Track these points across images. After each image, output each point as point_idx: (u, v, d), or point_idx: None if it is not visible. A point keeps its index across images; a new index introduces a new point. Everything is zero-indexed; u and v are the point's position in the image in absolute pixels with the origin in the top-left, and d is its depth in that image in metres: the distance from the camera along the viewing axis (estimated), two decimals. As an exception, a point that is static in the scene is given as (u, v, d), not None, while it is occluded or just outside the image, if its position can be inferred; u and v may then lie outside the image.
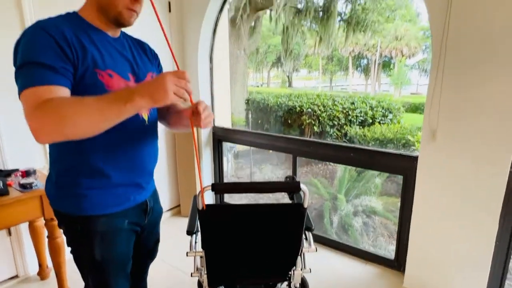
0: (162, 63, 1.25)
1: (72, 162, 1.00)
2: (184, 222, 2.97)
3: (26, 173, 1.86)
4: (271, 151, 4.94)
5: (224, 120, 4.23)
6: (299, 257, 1.30)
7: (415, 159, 1.92)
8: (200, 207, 1.17)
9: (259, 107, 5.87)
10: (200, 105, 0.98)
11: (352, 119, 4.98)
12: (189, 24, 2.73)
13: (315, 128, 5.04)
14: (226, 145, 3.77)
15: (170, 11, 2.71)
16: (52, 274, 2.12)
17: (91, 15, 0.99)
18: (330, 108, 5.02)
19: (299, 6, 9.97)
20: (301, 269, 1.32)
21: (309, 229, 1.40)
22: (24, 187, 1.70)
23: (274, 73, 27.33)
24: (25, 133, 1.95)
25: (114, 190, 1.05)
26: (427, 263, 1.94)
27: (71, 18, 0.97)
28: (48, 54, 0.84)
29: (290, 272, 1.32)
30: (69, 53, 0.87)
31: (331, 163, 4.84)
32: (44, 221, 1.83)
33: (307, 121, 5.08)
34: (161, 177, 2.93)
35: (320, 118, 5.01)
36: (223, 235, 1.25)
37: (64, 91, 0.85)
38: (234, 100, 7.18)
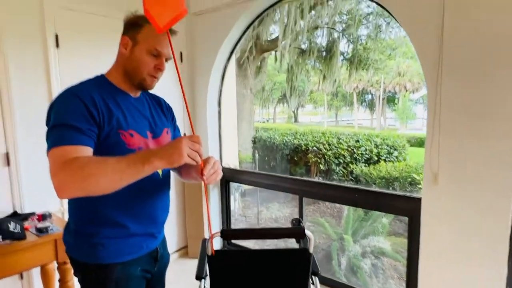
0: (176, 115, 1.36)
1: (91, 213, 1.07)
2: (191, 264, 2.96)
3: (42, 217, 1.94)
4: (277, 189, 4.97)
5: (231, 158, 4.32)
6: (306, 302, 1.32)
7: (419, 200, 1.95)
8: (210, 253, 1.22)
9: (266, 145, 5.98)
10: (208, 162, 1.06)
11: (358, 157, 5.04)
12: (200, 71, 2.91)
13: (321, 166, 5.10)
14: (234, 184, 3.83)
15: (182, 61, 2.91)
16: (60, 319, 2.12)
17: (117, 78, 1.12)
18: (335, 146, 5.11)
19: (303, 46, 10.41)
20: (309, 315, 1.33)
21: (316, 273, 1.42)
22: (40, 231, 1.77)
23: (280, 109, 27.80)
24: (42, 178, 2.08)
25: (129, 240, 1.11)
26: (438, 308, 1.91)
27: (100, 81, 1.10)
28: (78, 118, 0.95)
29: (297, 318, 1.33)
30: (96, 116, 0.98)
31: (338, 201, 4.83)
32: (56, 265, 1.87)
33: (313, 160, 5.15)
34: (169, 217, 2.96)
35: (325, 156, 5.08)
36: (231, 280, 1.29)
37: (88, 151, 0.95)
38: (241, 138, 7.32)
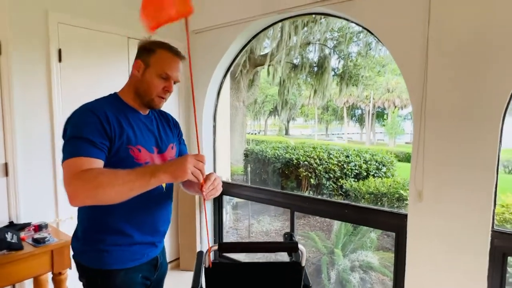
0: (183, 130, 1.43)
1: (98, 222, 1.15)
2: (183, 276, 2.98)
3: (39, 227, 1.97)
4: (268, 202, 5.03)
5: (223, 171, 4.37)
6: (297, 314, 1.38)
7: (405, 216, 2.04)
8: (207, 265, 1.28)
9: (258, 158, 6.06)
10: (209, 179, 1.13)
11: (347, 172, 5.16)
12: (197, 87, 3.00)
13: (312, 181, 5.20)
14: (226, 197, 3.88)
15: (179, 75, 2.99)
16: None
17: (128, 97, 1.21)
18: (326, 161, 5.22)
19: (295, 61, 10.64)
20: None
21: (307, 286, 1.49)
22: (37, 241, 1.80)
23: (271, 121, 28.02)
24: (38, 189, 2.11)
25: (132, 248, 1.18)
26: (422, 321, 1.98)
27: (113, 99, 1.20)
28: (92, 132, 1.04)
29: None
30: (108, 131, 1.07)
31: (328, 215, 4.92)
32: (52, 275, 1.89)
33: (304, 174, 5.25)
34: (162, 229, 3.01)
35: (316, 170, 5.19)
36: (227, 292, 1.34)
37: (99, 163, 1.03)
38: (232, 149, 7.39)
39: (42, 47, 2.13)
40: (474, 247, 1.78)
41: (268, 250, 1.31)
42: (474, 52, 1.71)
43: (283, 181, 5.57)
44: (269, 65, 9.28)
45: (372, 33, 2.10)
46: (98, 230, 1.15)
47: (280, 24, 7.06)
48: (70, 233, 1.94)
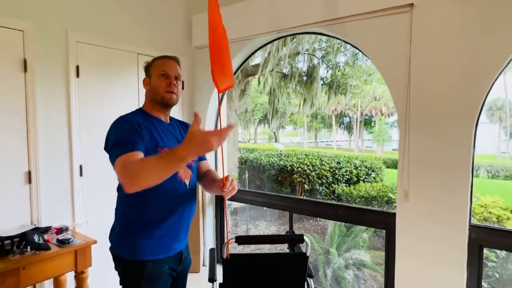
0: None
1: (133, 218, 1.35)
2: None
3: (60, 230, 2.13)
4: (265, 208, 5.23)
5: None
6: (303, 300, 1.58)
7: (394, 215, 2.28)
8: (225, 256, 1.48)
9: (252, 165, 6.27)
10: (227, 180, 1.34)
11: (339, 177, 5.41)
12: (199, 97, 3.21)
13: (306, 186, 5.43)
14: (227, 202, 4.07)
15: (183, 88, 3.20)
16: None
17: (149, 108, 1.44)
18: (319, 168, 5.47)
19: (285, 71, 10.94)
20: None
21: (310, 276, 1.70)
22: (62, 242, 1.96)
23: (261, 129, 28.28)
24: (58, 195, 2.28)
25: (161, 241, 1.37)
26: (411, 309, 2.20)
27: (139, 112, 1.43)
28: (131, 134, 1.25)
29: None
30: (141, 134, 1.29)
31: (321, 220, 5.17)
32: (74, 274, 2.05)
33: (298, 180, 5.48)
34: (168, 233, 3.17)
35: (309, 176, 5.43)
36: (242, 279, 1.54)
37: (141, 154, 1.22)
38: (227, 158, 7.57)
39: (62, 64, 2.32)
40: (454, 240, 2.02)
41: (278, 242, 1.51)
42: (451, 68, 1.98)
43: (278, 187, 5.79)
44: (260, 75, 9.55)
45: (362, 52, 2.36)
46: (133, 225, 1.35)
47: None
48: (88, 235, 2.13)
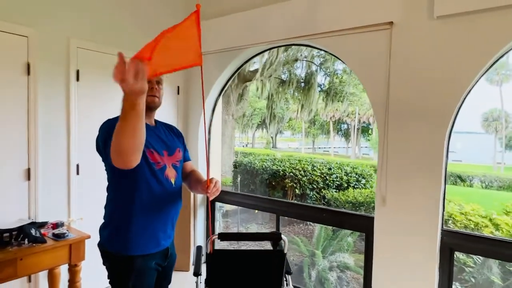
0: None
1: (122, 214, 1.45)
2: (176, 276, 3.25)
3: (56, 225, 2.25)
4: (256, 211, 5.36)
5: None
6: (280, 294, 1.71)
7: (372, 219, 2.41)
8: (209, 251, 1.60)
9: (246, 169, 6.40)
10: (211, 181, 1.47)
11: (329, 183, 5.55)
12: (193, 103, 3.35)
13: (297, 191, 5.56)
14: (217, 205, 4.20)
15: (178, 93, 3.34)
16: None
17: None
18: (310, 173, 5.61)
19: (283, 77, 11.10)
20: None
21: (288, 272, 1.82)
22: (58, 236, 2.08)
23: (259, 134, 28.40)
24: (54, 192, 2.40)
25: (149, 237, 1.47)
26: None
27: None
28: None
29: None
30: None
31: (310, 224, 5.32)
32: (68, 266, 2.17)
33: (290, 184, 5.62)
34: (159, 232, 3.30)
35: (301, 181, 5.56)
36: (224, 273, 1.67)
37: None
38: (222, 162, 7.69)
39: (63, 68, 2.46)
40: (427, 244, 2.15)
41: (257, 239, 1.64)
42: (426, 81, 2.12)
43: (270, 191, 5.92)
44: (257, 80, 9.68)
45: (345, 63, 2.50)
46: (122, 221, 1.45)
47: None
48: (82, 231, 2.25)
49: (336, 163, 6.05)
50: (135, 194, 1.43)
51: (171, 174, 1.52)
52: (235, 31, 2.91)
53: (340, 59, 2.50)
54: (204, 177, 1.56)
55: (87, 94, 2.59)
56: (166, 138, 1.59)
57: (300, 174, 5.60)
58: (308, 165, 5.80)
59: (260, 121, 23.26)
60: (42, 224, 2.25)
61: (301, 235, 5.28)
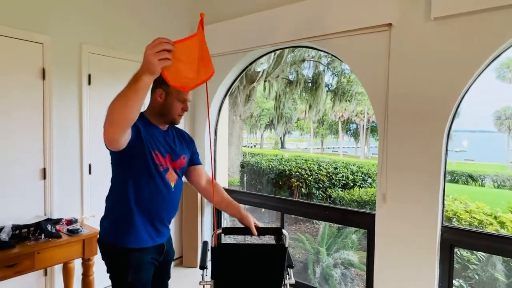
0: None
1: (122, 209, 1.50)
2: (186, 272, 3.37)
3: (70, 222, 2.37)
4: (263, 209, 5.44)
5: (221, 182, 4.79)
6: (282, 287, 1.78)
7: (374, 216, 2.46)
8: (213, 245, 1.69)
9: (253, 169, 6.48)
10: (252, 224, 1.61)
11: (335, 182, 5.60)
12: (200, 104, 3.45)
13: (303, 190, 5.63)
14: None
15: (185, 95, 3.44)
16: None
17: (151, 116, 1.58)
18: (316, 172, 5.67)
19: (291, 77, 11.14)
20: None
21: (290, 266, 1.89)
22: (72, 232, 2.20)
23: (267, 135, 28.43)
24: (68, 190, 2.52)
25: (146, 232, 1.52)
26: (388, 303, 2.38)
27: (140, 116, 1.50)
28: None
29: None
30: (136, 131, 1.43)
31: (316, 222, 5.37)
32: (82, 260, 2.29)
33: (296, 184, 5.69)
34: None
35: (307, 181, 5.62)
36: (228, 267, 1.75)
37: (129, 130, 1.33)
38: (229, 162, 7.79)
39: (76, 73, 2.59)
40: (427, 240, 2.20)
41: (260, 233, 1.73)
42: (424, 80, 2.18)
43: (277, 190, 5.99)
44: (265, 81, 9.75)
45: (346, 63, 2.57)
46: (121, 216, 1.50)
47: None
48: (95, 227, 2.36)
49: (342, 162, 6.09)
50: (135, 190, 1.48)
51: (171, 178, 1.57)
52: (240, 34, 3.01)
53: (341, 60, 2.57)
54: (217, 181, 1.60)
55: (98, 97, 2.71)
56: (174, 144, 1.63)
57: (306, 174, 5.67)
58: (314, 164, 5.85)
59: (268, 122, 23.27)
60: (57, 221, 2.38)
61: (307, 233, 5.34)
